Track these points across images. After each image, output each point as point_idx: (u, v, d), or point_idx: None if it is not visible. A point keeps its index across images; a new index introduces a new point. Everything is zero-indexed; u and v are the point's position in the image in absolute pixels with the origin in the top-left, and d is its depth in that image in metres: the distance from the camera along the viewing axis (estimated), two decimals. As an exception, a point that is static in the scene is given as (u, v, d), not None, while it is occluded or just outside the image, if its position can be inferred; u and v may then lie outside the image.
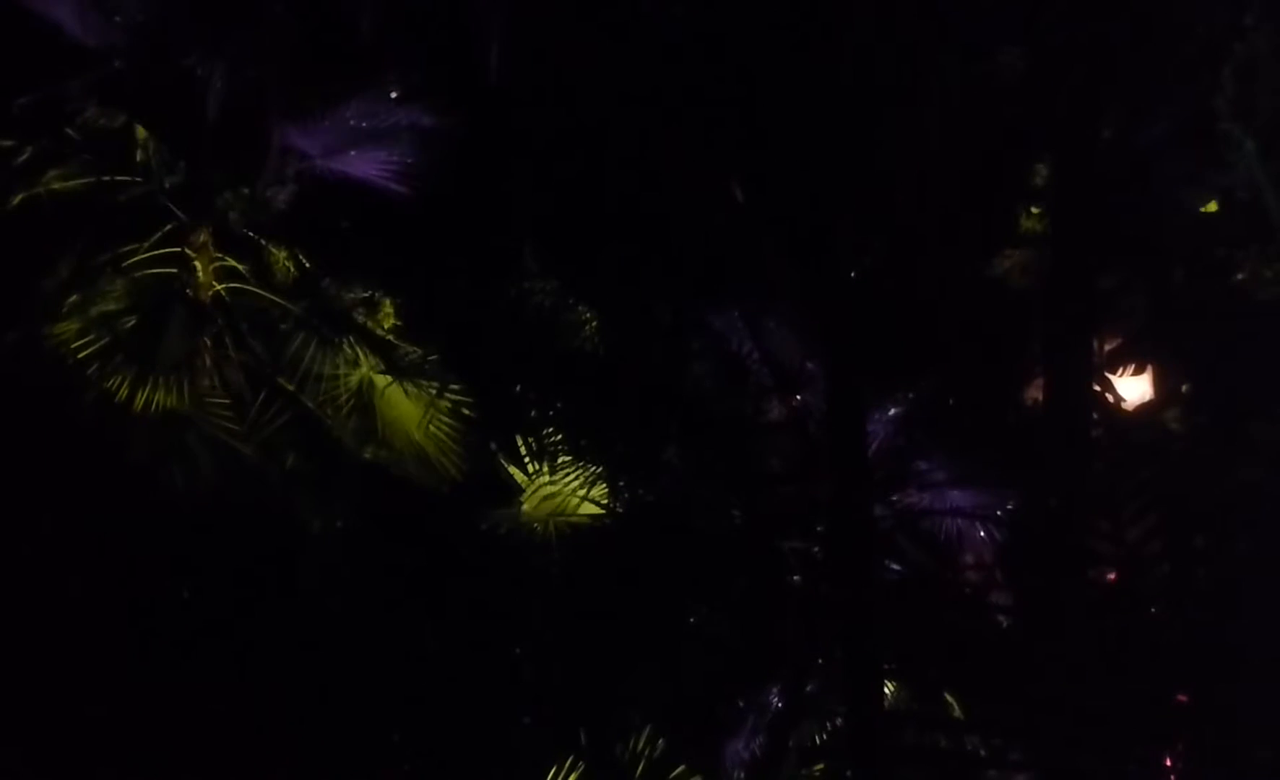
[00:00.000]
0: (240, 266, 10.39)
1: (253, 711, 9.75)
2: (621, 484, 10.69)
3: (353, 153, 10.14)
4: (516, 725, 10.40)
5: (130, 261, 10.24)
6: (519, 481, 10.80)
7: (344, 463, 10.35)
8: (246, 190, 10.37)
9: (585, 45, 10.42)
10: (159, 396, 9.97)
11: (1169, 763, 9.69)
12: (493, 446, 10.75)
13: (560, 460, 10.82)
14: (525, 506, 10.77)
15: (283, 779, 9.88)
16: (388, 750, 10.15)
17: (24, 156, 10.17)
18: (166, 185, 10.33)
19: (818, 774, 10.30)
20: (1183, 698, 9.58)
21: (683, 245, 10.83)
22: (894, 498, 9.99)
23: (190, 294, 10.26)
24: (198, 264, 10.30)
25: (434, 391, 10.42)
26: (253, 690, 9.78)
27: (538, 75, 10.66)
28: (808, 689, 10.13)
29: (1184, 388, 11.64)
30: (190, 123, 10.26)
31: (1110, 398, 11.79)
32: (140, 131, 10.35)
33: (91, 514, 9.81)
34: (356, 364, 10.43)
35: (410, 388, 10.47)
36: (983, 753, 9.83)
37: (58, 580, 9.73)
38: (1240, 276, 11.26)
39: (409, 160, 10.19)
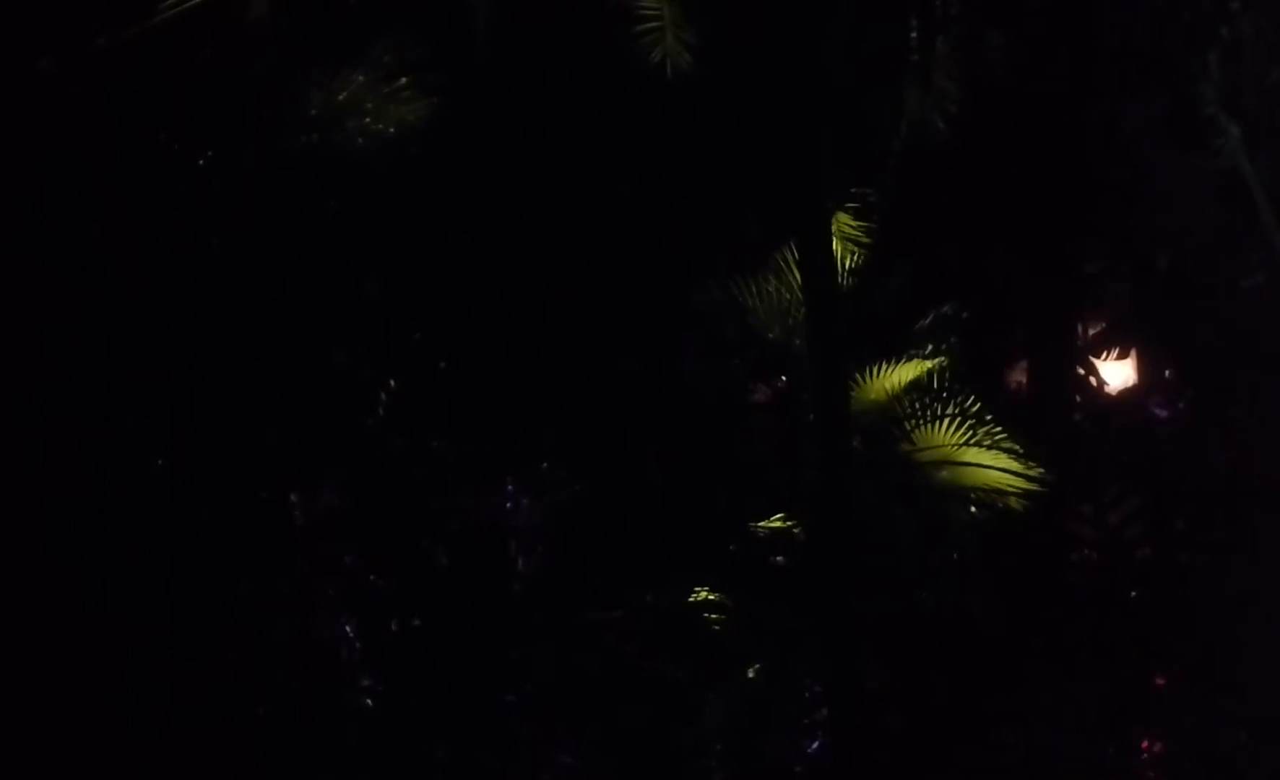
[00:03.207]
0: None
1: (236, 696, 9.79)
2: (606, 465, 10.74)
3: None
4: (500, 703, 10.46)
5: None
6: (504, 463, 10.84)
7: (330, 443, 10.39)
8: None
9: (574, 23, 10.43)
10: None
11: (1147, 745, 9.77)
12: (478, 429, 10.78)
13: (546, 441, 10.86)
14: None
15: (267, 763, 9.91)
16: (374, 732, 10.19)
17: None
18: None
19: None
20: (1161, 681, 9.67)
21: (668, 223, 10.86)
22: (878, 479, 10.02)
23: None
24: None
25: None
26: (237, 672, 9.81)
27: (527, 54, 10.65)
28: (791, 669, 10.17)
29: (1167, 373, 11.70)
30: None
31: (1094, 382, 11.84)
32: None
33: (83, 495, 9.83)
34: (342, 347, 10.45)
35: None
36: (964, 733, 9.91)
37: (46, 561, 9.74)
38: (1224, 262, 11.30)
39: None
